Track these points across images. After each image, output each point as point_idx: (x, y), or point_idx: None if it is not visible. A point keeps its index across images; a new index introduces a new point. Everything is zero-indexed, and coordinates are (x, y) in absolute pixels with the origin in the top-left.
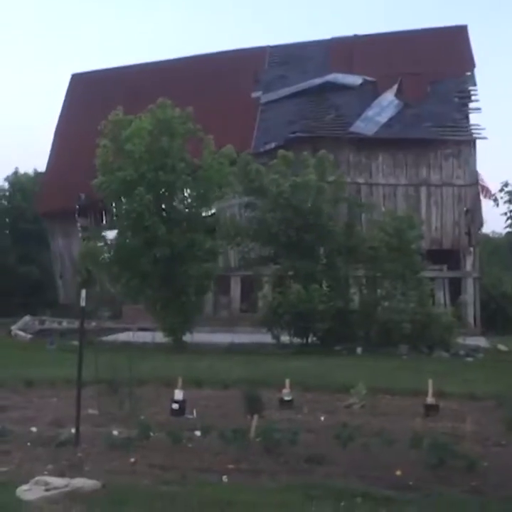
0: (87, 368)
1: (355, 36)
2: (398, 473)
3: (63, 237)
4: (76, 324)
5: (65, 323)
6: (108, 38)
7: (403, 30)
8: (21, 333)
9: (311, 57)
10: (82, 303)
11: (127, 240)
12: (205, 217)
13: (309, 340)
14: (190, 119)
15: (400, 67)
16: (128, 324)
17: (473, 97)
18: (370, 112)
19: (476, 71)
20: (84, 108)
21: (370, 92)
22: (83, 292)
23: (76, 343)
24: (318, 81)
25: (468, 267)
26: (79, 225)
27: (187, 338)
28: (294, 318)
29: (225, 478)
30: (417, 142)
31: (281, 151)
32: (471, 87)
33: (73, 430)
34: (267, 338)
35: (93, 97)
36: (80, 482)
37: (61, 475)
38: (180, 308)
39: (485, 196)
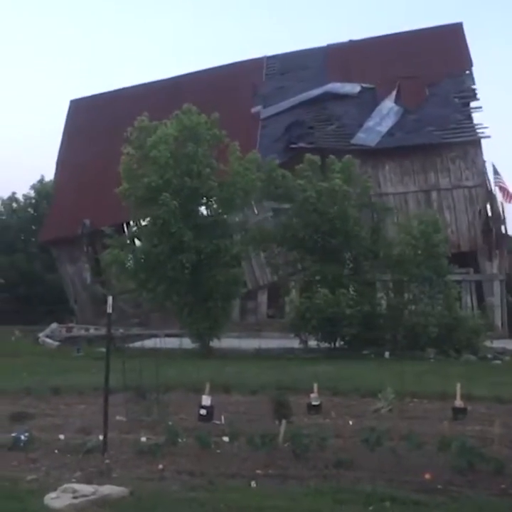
0: (115, 375)
1: (351, 41)
2: (427, 476)
3: (71, 263)
4: (103, 331)
5: (92, 330)
6: (103, 59)
7: (397, 32)
8: (49, 340)
9: (309, 66)
10: (109, 310)
11: (153, 247)
12: (231, 223)
13: (337, 344)
14: (216, 125)
15: (396, 71)
16: (155, 330)
17: (473, 96)
18: (370, 123)
19: (475, 69)
20: (85, 135)
21: (369, 99)
22: (109, 299)
23: (103, 349)
24: (316, 92)
25: (495, 269)
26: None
27: (214, 343)
28: (322, 323)
29: (253, 483)
30: (421, 148)
31: (307, 156)
32: (470, 86)
33: (101, 437)
34: (294, 342)
35: (92, 123)
36: (107, 489)
37: (89, 482)
38: (207, 314)
39: (508, 201)
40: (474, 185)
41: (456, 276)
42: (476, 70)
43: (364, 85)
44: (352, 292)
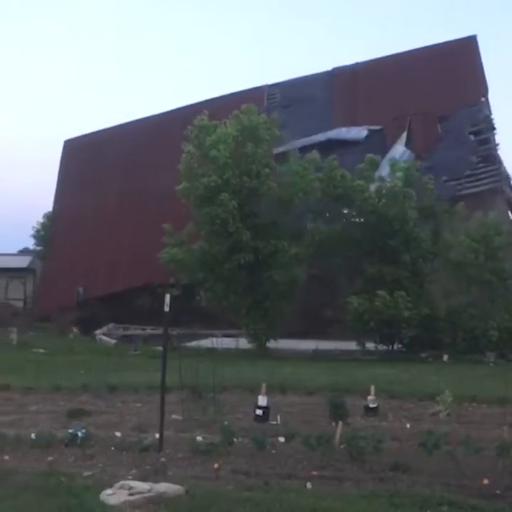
0: (171, 374)
1: (356, 64)
2: (485, 481)
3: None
4: (160, 330)
5: (148, 329)
6: (101, 100)
7: (407, 50)
8: (105, 338)
9: (313, 96)
10: (166, 308)
11: (211, 247)
12: (289, 223)
13: (395, 347)
14: (276, 125)
15: (406, 104)
16: (212, 330)
17: (490, 128)
18: (382, 172)
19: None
20: (78, 182)
21: (378, 143)
22: (167, 297)
23: (159, 348)
24: (320, 138)
25: None
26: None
27: (271, 344)
28: (380, 325)
29: (308, 484)
30: None
31: (368, 155)
32: (487, 115)
33: (157, 435)
34: (351, 344)
35: (84, 167)
36: (163, 487)
37: (144, 480)
38: (264, 315)
39: None
40: None
41: None
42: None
43: (371, 128)
44: (410, 294)
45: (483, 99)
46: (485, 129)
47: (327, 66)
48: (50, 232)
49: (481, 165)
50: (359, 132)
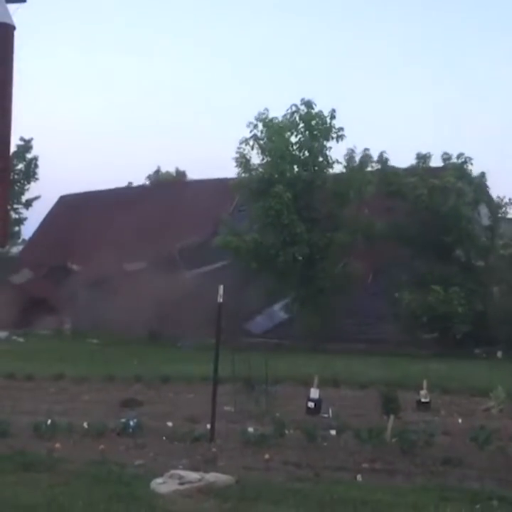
0: (223, 366)
1: None
2: None
3: None
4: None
5: None
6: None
7: None
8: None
9: None
10: (220, 299)
11: (265, 238)
12: (344, 216)
13: (448, 342)
14: (333, 117)
15: None
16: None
17: None
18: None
19: None
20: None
21: None
22: (220, 289)
23: (212, 340)
24: None
25: None
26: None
27: (324, 337)
28: (433, 321)
29: (359, 477)
30: None
31: (418, 152)
32: None
33: (208, 426)
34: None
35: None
36: (213, 477)
37: (195, 469)
38: (317, 308)
39: None
40: None
41: None
42: None
43: None
44: (464, 290)
45: None
46: None
47: None
48: None
49: None
50: None
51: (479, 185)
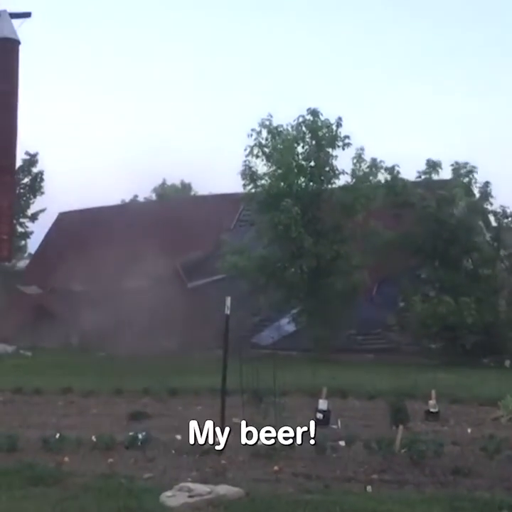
0: (231, 377)
1: None
2: None
3: None
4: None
5: None
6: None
7: None
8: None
9: None
10: (227, 311)
11: (273, 252)
12: (351, 228)
13: (457, 352)
14: (339, 125)
15: None
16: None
17: None
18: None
19: None
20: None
21: None
22: (228, 300)
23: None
24: None
25: None
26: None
27: (331, 348)
28: (442, 330)
29: (369, 488)
30: None
31: (429, 159)
32: None
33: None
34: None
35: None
36: (223, 489)
37: (205, 482)
38: (325, 320)
39: None
40: None
41: None
42: None
43: None
44: (473, 300)
45: None
46: None
47: None
48: None
49: None
50: None
51: (484, 194)
